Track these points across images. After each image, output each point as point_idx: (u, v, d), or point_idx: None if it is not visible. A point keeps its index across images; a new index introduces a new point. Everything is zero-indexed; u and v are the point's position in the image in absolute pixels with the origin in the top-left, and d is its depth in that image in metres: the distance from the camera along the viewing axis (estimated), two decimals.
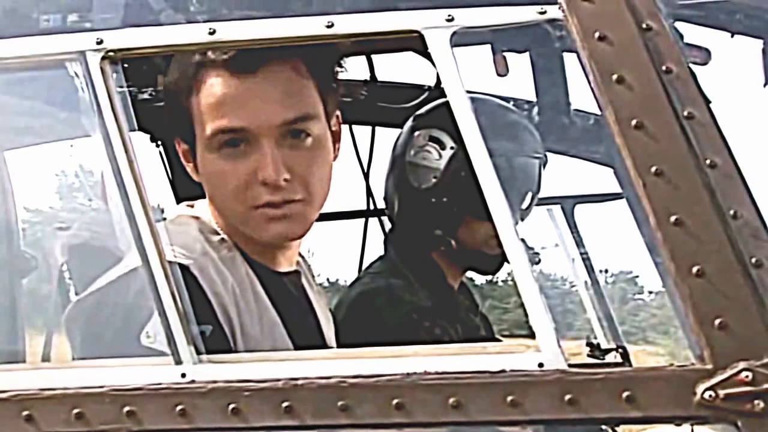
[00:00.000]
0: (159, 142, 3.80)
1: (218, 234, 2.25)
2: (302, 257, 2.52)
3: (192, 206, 2.34)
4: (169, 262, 1.94)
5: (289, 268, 2.37)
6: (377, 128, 3.72)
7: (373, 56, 3.65)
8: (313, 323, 2.43)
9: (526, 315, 1.83)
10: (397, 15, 1.92)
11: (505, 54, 3.11)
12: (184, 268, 2.05)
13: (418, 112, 3.23)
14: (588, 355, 3.36)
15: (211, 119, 2.16)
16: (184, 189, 3.67)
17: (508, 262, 1.85)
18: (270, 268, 2.30)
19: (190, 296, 1.95)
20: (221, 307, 2.12)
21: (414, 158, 3.15)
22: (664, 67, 1.83)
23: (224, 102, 2.16)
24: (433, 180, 3.11)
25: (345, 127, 2.53)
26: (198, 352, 1.90)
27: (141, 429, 1.88)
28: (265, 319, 2.21)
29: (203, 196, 2.37)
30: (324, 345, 2.41)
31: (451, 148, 3.07)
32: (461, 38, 1.90)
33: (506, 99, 3.35)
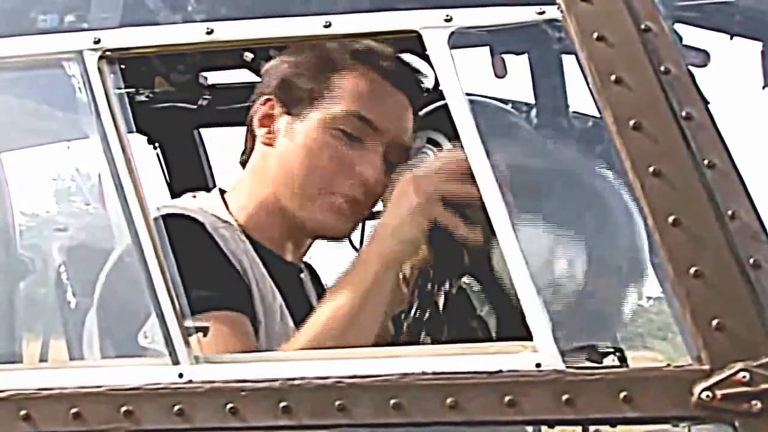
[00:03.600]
0: (156, 144, 3.78)
1: (222, 220, 2.26)
2: (309, 267, 2.54)
3: (195, 197, 2.35)
4: (187, 217, 2.08)
5: (296, 261, 2.40)
6: None
7: None
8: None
9: (524, 320, 1.83)
10: (395, 15, 1.92)
11: (503, 56, 3.11)
12: (200, 225, 2.14)
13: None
14: (586, 358, 3.35)
15: (353, 102, 2.25)
16: (182, 191, 3.67)
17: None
18: (280, 256, 2.33)
19: (205, 254, 2.06)
20: (239, 264, 2.17)
21: (412, 160, 3.14)
22: (662, 68, 1.83)
23: (373, 97, 2.27)
24: None
25: None
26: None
27: (138, 429, 1.88)
28: (274, 297, 2.24)
29: None
30: None
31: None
32: (459, 39, 1.89)
33: (504, 101, 3.34)
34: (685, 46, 2.28)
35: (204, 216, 2.20)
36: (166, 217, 2.04)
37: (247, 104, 2.41)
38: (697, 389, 1.75)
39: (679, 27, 2.12)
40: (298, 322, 2.20)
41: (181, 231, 2.06)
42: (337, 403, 1.82)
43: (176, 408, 1.87)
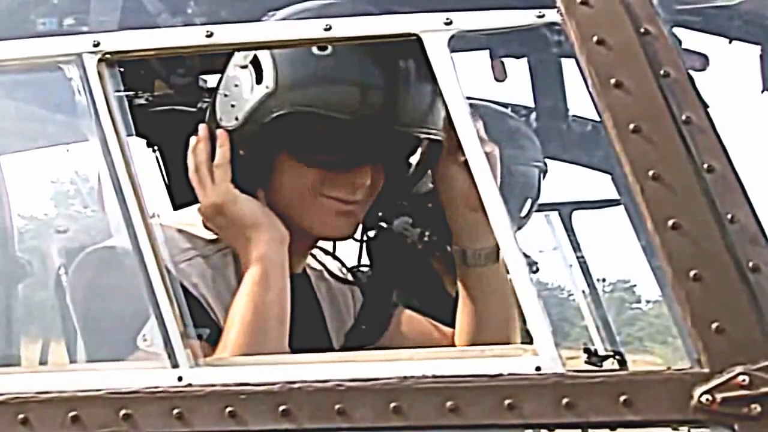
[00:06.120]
0: (155, 148, 3.78)
1: (207, 238, 2.23)
2: (317, 259, 2.53)
3: None
4: None
5: (294, 271, 2.35)
6: None
7: None
8: (319, 325, 2.43)
9: (525, 322, 1.83)
10: (395, 18, 1.92)
11: (502, 59, 3.11)
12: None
13: None
14: (585, 362, 3.37)
15: None
16: (181, 195, 3.66)
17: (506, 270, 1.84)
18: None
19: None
20: (202, 296, 2.15)
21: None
22: (662, 72, 1.83)
23: None
24: (430, 185, 3.10)
25: None
26: (195, 356, 1.90)
27: None
28: None
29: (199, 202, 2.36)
30: (328, 347, 2.40)
31: None
32: (459, 43, 1.89)
33: (504, 105, 3.35)
34: (685, 50, 2.28)
35: (170, 246, 2.14)
36: None
37: None
38: (696, 393, 1.75)
39: (679, 31, 2.13)
40: (297, 335, 2.19)
41: None
42: (337, 406, 1.82)
43: (175, 411, 1.87)
